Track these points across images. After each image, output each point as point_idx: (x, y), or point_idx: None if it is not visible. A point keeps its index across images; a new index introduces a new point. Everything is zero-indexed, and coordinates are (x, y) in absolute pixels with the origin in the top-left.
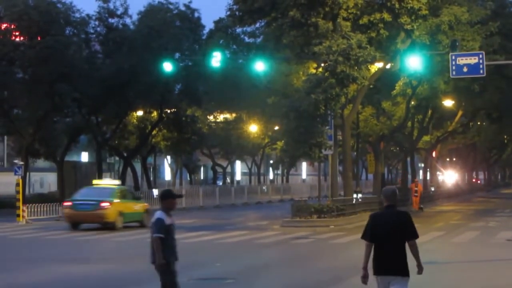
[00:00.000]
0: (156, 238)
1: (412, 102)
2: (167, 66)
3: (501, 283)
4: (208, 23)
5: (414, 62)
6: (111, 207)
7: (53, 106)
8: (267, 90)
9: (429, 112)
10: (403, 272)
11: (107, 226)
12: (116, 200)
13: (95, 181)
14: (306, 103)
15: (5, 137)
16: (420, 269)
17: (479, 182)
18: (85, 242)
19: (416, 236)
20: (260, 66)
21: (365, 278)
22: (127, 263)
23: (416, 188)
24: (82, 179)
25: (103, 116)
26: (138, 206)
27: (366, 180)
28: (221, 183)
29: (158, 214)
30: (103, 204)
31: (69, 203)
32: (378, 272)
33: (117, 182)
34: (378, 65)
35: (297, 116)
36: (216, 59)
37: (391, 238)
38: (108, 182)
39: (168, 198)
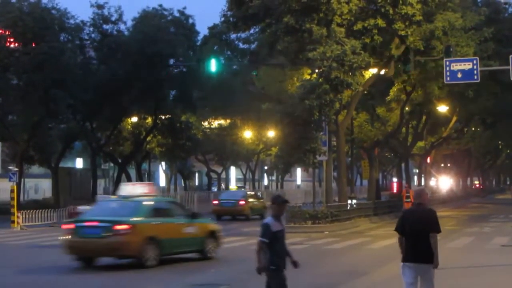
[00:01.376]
0: (259, 242)
1: (407, 108)
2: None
3: None
4: (202, 29)
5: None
6: (245, 204)
7: (47, 112)
8: (261, 96)
9: (424, 117)
10: (429, 260)
11: (243, 218)
12: (248, 199)
13: (231, 187)
14: (300, 109)
15: (0, 143)
16: (435, 263)
17: (480, 186)
18: None
19: (438, 231)
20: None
21: None
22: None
23: (407, 194)
24: (77, 185)
25: (98, 122)
26: (260, 203)
27: (360, 186)
28: (215, 189)
29: (267, 219)
30: (241, 202)
31: (216, 202)
32: (407, 260)
33: (247, 187)
34: (372, 71)
35: (291, 122)
36: (213, 64)
37: (418, 231)
38: (238, 186)
39: (273, 204)
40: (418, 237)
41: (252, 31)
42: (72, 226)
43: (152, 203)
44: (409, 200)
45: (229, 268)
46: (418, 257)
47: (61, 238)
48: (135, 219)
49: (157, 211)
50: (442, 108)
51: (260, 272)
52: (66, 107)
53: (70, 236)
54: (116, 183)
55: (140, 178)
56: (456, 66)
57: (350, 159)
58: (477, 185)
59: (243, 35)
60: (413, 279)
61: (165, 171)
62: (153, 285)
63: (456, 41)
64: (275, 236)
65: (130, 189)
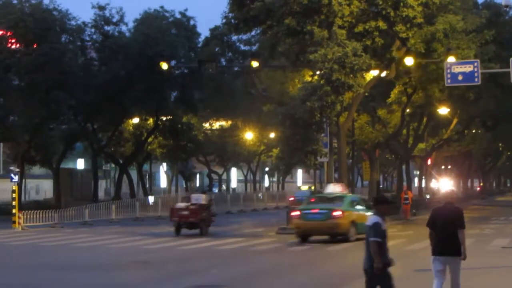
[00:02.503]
0: (375, 242)
1: (407, 110)
2: (164, 66)
3: None
4: (203, 31)
5: (409, 70)
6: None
7: (49, 113)
8: (262, 98)
9: (424, 119)
10: (456, 253)
11: None
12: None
13: (302, 187)
14: (301, 111)
15: (1, 144)
16: (463, 255)
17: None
18: (85, 248)
19: (463, 227)
20: (254, 63)
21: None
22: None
23: (406, 196)
24: (78, 186)
25: (99, 123)
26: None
27: (361, 187)
28: (216, 190)
29: (375, 218)
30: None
31: (293, 198)
32: (436, 253)
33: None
34: (373, 73)
35: (292, 123)
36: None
37: (446, 227)
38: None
39: (383, 203)
40: (447, 232)
41: (253, 33)
42: (298, 212)
43: (350, 197)
44: (408, 202)
45: (231, 269)
46: (447, 250)
47: (291, 221)
48: (344, 207)
49: (353, 203)
50: (443, 110)
51: (379, 270)
52: (67, 108)
53: (297, 220)
54: (117, 184)
55: (141, 179)
56: (457, 69)
57: (351, 160)
58: (479, 187)
59: (244, 36)
60: (442, 269)
61: (166, 172)
62: (154, 286)
63: (457, 44)
64: (384, 234)
65: (332, 187)
